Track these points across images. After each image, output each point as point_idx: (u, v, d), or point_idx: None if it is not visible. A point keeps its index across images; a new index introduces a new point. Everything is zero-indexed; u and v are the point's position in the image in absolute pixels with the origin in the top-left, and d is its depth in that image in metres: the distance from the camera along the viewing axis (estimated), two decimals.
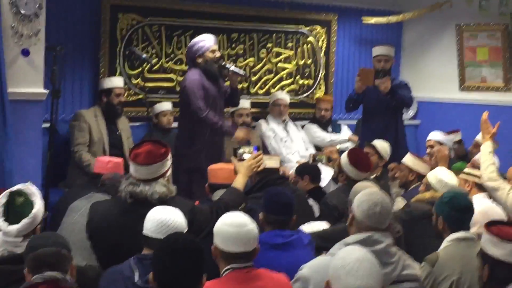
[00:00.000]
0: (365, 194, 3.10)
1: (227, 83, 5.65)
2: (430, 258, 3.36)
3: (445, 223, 3.50)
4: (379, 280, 2.44)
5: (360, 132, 6.86)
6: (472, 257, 3.25)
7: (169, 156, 3.32)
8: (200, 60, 5.20)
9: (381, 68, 6.29)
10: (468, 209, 3.54)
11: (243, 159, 3.93)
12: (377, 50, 6.50)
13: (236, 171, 3.86)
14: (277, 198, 3.47)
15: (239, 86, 6.07)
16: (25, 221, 3.01)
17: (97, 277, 2.97)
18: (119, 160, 4.49)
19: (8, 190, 3.12)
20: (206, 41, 5.23)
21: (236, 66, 5.58)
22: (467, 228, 3.52)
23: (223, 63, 5.44)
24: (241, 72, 5.57)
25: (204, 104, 5.13)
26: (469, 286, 3.25)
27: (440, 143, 6.08)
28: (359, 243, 2.90)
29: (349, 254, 2.50)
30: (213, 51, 5.23)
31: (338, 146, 6.59)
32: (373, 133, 6.18)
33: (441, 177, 4.42)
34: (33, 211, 3.06)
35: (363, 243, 2.91)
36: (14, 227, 2.99)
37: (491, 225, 2.92)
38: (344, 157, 4.73)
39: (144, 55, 5.78)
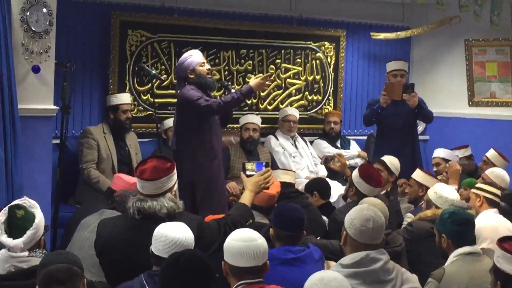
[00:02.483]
0: (356, 211, 3.09)
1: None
2: (437, 274, 3.36)
3: (449, 239, 3.51)
4: None
5: (374, 148, 6.78)
6: (478, 271, 3.25)
7: (175, 170, 3.32)
8: (192, 76, 5.14)
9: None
10: (469, 222, 3.55)
11: (252, 175, 3.90)
12: (392, 65, 6.45)
13: (244, 186, 3.85)
14: (288, 213, 3.45)
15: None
16: (28, 232, 3.00)
17: None
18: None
19: (6, 206, 3.10)
20: (194, 56, 5.14)
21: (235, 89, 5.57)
22: (470, 242, 3.51)
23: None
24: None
25: (207, 98, 4.94)
26: None
27: (445, 160, 6.04)
28: (355, 263, 2.90)
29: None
30: (202, 64, 5.17)
31: (347, 162, 6.56)
32: (390, 149, 6.03)
33: (441, 192, 4.37)
34: (35, 221, 3.04)
35: (360, 263, 2.90)
36: (19, 241, 2.97)
37: (504, 241, 2.90)
38: (356, 172, 4.71)
39: (154, 71, 5.77)
